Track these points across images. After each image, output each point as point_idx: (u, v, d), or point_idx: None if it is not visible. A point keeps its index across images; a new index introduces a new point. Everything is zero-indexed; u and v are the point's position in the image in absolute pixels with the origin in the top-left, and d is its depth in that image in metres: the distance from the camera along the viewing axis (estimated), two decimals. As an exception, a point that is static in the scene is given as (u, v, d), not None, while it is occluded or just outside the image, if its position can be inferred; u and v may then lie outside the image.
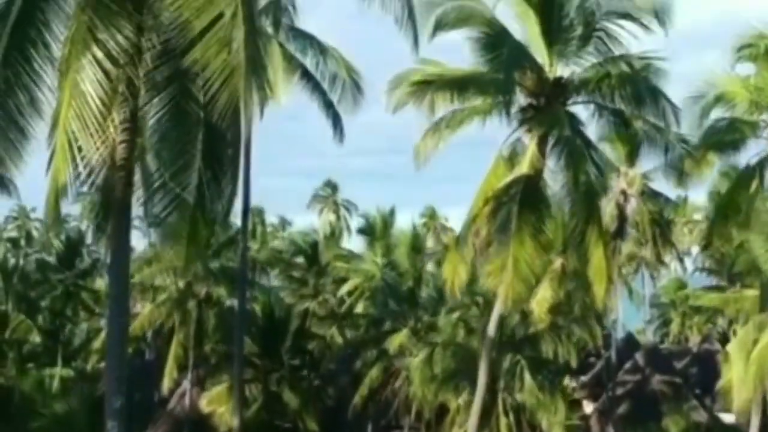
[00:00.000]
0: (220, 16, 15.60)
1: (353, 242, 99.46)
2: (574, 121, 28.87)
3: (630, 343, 76.35)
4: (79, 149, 16.22)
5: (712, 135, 34.99)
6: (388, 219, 66.44)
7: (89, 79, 16.49)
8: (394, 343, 54.76)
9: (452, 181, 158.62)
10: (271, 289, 63.06)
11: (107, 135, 16.80)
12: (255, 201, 66.96)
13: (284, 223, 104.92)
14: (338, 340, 64.91)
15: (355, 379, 57.28)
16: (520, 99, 29.40)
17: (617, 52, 29.43)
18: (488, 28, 28.61)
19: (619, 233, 66.45)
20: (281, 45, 37.92)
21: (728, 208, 35.64)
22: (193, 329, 54.55)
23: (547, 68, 29.34)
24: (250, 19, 15.67)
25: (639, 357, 72.23)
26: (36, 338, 62.23)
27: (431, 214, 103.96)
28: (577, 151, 27.88)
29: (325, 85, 38.90)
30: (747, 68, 35.98)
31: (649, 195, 66.91)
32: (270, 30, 37.83)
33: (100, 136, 16.38)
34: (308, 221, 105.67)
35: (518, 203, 27.99)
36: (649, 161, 36.54)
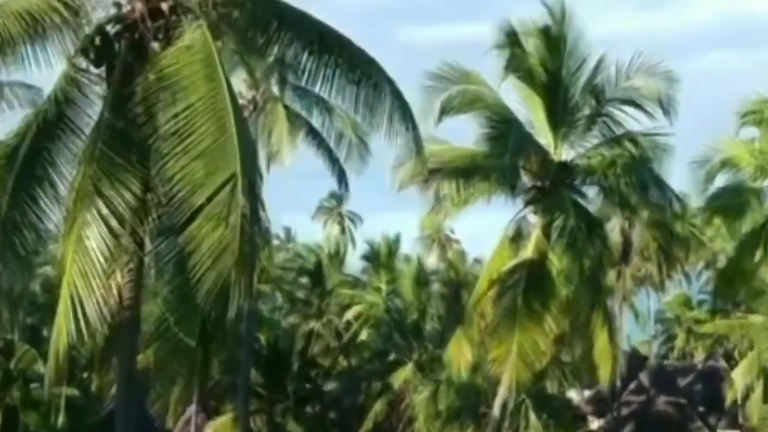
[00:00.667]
0: (220, 189, 15.61)
1: (358, 253, 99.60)
2: (579, 207, 28.95)
3: (634, 358, 76.50)
4: (83, 308, 16.29)
5: (717, 199, 35.05)
6: (392, 245, 66.48)
7: (94, 236, 16.56)
8: (398, 377, 54.85)
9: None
10: (275, 319, 63.22)
11: (111, 286, 16.88)
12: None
13: (289, 234, 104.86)
14: (343, 363, 65.08)
15: (360, 411, 57.43)
16: (525, 180, 29.45)
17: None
18: (493, 113, 28.73)
19: (624, 259, 66.56)
20: (286, 107, 38.02)
21: (733, 274, 35.73)
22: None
23: (551, 150, 29.41)
24: (252, 193, 15.68)
25: (644, 377, 72.27)
26: (41, 368, 62.30)
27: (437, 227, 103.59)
28: (581, 239, 27.95)
29: (331, 143, 38.98)
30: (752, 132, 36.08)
31: (655, 221, 66.86)
32: (275, 89, 37.90)
33: (104, 294, 16.46)
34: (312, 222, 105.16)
35: (523, 290, 28.11)
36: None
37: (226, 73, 16.92)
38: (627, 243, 66.50)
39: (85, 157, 17.04)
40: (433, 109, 28.81)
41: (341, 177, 39.14)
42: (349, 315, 64.44)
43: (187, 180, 15.80)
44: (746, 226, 35.55)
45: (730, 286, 36.16)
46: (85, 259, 16.44)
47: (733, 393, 58.49)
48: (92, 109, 17.68)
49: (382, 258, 65.21)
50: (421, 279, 59.31)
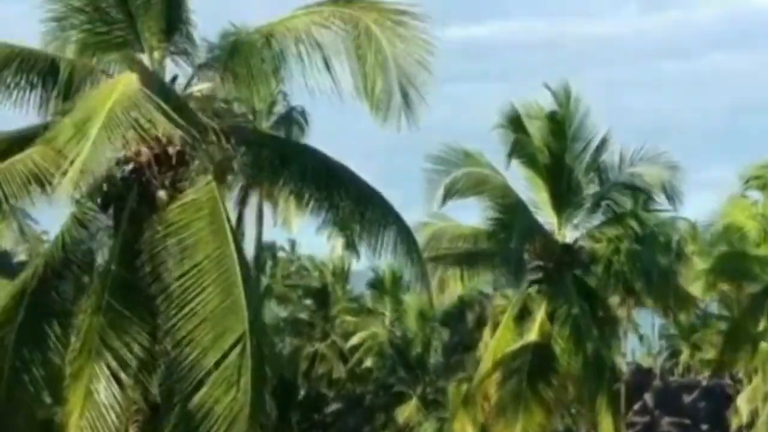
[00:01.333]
0: (229, 352, 15.71)
1: (362, 263, 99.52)
2: (583, 288, 29.12)
3: (639, 374, 76.75)
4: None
5: (722, 264, 35.29)
6: (397, 273, 66.46)
7: (104, 391, 16.63)
8: (402, 412, 55.05)
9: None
10: (280, 353, 63.27)
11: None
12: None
13: (294, 247, 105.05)
14: (347, 385, 65.21)
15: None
16: (528, 259, 29.61)
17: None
18: (498, 196, 28.89)
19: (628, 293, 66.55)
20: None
21: (738, 336, 35.99)
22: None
23: (555, 232, 29.54)
24: (259, 353, 15.81)
25: (648, 398, 72.62)
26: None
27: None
28: (585, 325, 28.14)
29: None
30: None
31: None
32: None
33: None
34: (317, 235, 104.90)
35: (528, 373, 28.26)
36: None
37: (233, 226, 17.01)
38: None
39: (92, 308, 17.10)
40: (437, 193, 28.95)
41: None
42: (354, 340, 64.63)
43: (195, 344, 15.87)
44: (750, 288, 35.84)
45: (736, 346, 36.41)
46: (96, 415, 16.51)
47: (738, 419, 58.66)
48: (100, 251, 17.79)
49: (386, 286, 65.28)
50: (426, 312, 59.35)
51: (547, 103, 29.76)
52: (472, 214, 30.71)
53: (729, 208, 35.70)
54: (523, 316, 29.91)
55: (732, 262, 35.05)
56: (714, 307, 75.12)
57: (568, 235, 29.51)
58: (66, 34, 18.19)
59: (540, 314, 28.89)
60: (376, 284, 67.23)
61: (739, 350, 35.50)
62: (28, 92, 17.70)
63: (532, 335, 28.75)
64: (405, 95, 16.79)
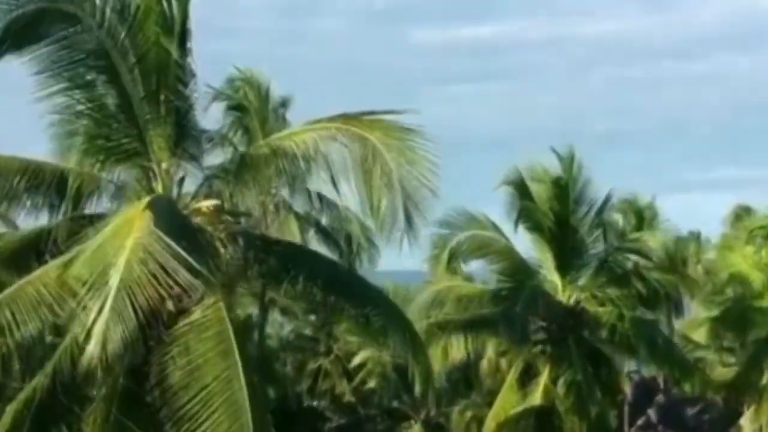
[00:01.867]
0: None
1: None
2: (586, 349, 29.26)
3: (643, 387, 76.75)
4: None
5: (726, 314, 35.49)
6: (400, 292, 66.50)
7: None
8: (406, 440, 55.11)
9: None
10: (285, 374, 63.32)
11: None
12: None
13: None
14: (351, 399, 65.23)
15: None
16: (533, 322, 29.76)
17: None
18: (502, 260, 29.08)
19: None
20: (297, 215, 38.32)
21: (741, 385, 36.18)
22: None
23: (559, 293, 29.66)
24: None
25: (652, 413, 72.60)
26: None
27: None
28: (588, 390, 28.30)
29: (342, 242, 39.28)
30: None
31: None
32: (286, 194, 38.13)
33: None
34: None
35: (532, 439, 28.44)
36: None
37: (240, 344, 17.08)
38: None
39: (100, 419, 17.24)
40: (442, 257, 29.12)
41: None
42: (356, 360, 64.61)
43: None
44: (753, 335, 36.00)
45: (739, 395, 36.62)
46: None
47: (742, 435, 58.76)
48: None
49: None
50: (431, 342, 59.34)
51: (551, 164, 29.91)
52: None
53: (734, 257, 35.85)
54: (527, 374, 30.06)
55: (736, 313, 35.22)
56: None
57: (572, 296, 29.62)
58: (71, 141, 18.34)
59: (544, 377, 29.03)
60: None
61: (745, 394, 35.72)
62: (39, 203, 17.92)
63: (536, 398, 28.90)
64: (408, 218, 16.90)
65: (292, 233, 37.36)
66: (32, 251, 17.96)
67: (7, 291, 16.58)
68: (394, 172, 16.92)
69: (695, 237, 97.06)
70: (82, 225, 17.63)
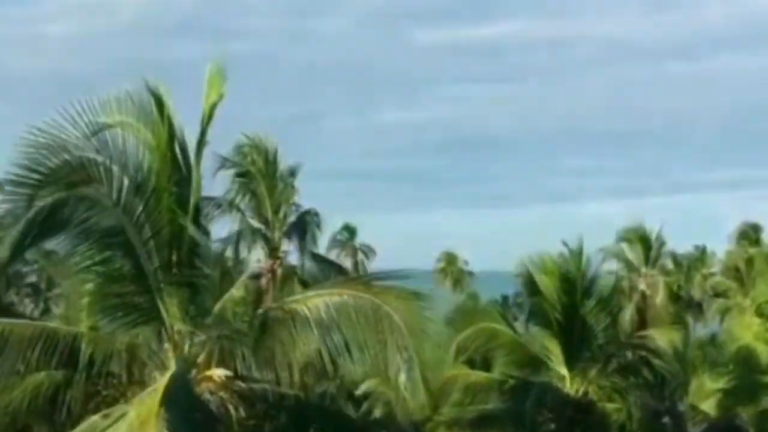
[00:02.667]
0: None
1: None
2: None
3: (648, 409, 76.82)
4: None
5: (733, 387, 35.66)
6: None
7: None
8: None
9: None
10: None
11: None
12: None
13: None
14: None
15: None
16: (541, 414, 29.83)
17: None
18: (510, 353, 29.19)
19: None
20: (303, 281, 38.48)
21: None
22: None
23: (567, 386, 29.75)
24: None
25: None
26: None
27: (450, 259, 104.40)
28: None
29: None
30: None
31: (671, 297, 67.39)
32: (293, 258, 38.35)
33: None
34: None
35: None
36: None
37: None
38: (642, 319, 67.23)
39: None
40: (450, 350, 29.23)
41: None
42: (362, 388, 64.83)
43: None
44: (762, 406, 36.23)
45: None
46: None
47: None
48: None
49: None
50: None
51: (558, 254, 30.00)
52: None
53: (740, 330, 36.03)
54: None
55: (744, 386, 35.39)
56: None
57: (581, 388, 29.69)
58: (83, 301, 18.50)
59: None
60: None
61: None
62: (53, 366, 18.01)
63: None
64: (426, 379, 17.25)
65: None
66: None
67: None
68: (405, 337, 17.15)
69: (701, 251, 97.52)
70: (96, 385, 17.90)
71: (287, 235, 38.94)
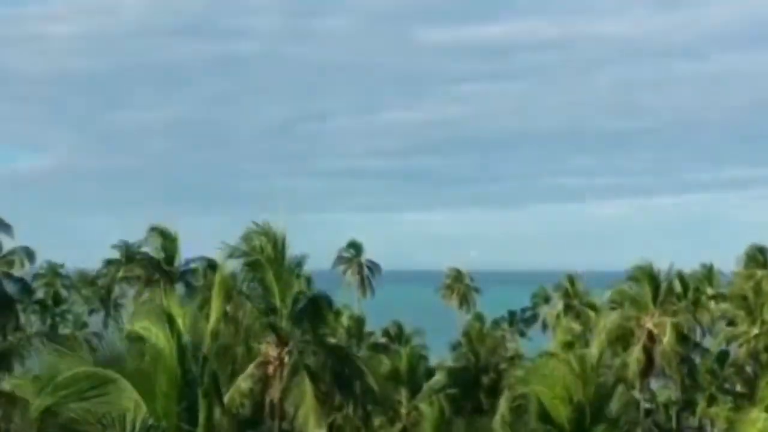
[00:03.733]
0: None
1: (376, 301, 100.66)
2: None
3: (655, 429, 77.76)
4: None
5: None
6: (413, 361, 66.73)
7: None
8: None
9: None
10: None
11: None
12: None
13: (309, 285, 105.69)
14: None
15: None
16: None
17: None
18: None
19: (646, 374, 67.34)
20: (312, 374, 38.70)
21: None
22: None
23: None
24: None
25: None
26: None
27: (456, 276, 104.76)
28: None
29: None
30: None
31: (678, 339, 67.45)
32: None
33: None
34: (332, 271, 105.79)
35: None
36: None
37: None
38: (650, 358, 67.43)
39: None
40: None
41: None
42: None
43: None
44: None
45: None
46: None
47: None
48: None
49: (402, 375, 65.36)
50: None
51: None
52: None
53: (746, 427, 36.04)
54: None
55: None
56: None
57: None
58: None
59: None
60: (393, 374, 67.52)
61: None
62: None
63: None
64: None
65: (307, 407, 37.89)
66: None
67: None
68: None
69: (707, 270, 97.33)
70: None
71: (297, 323, 39.09)
